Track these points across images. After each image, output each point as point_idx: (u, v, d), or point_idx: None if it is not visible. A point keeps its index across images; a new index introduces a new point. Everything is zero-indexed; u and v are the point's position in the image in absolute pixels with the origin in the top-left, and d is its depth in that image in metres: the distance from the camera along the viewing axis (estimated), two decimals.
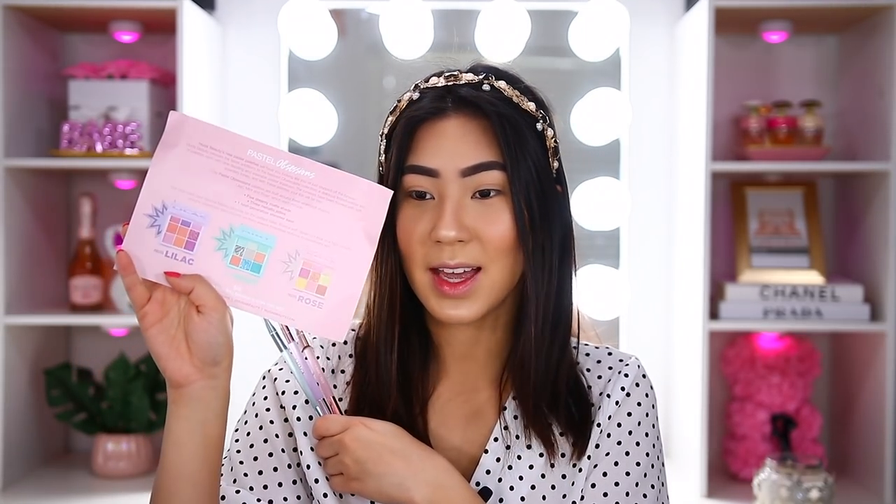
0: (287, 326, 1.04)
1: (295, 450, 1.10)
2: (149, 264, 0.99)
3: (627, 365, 1.12)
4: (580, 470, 1.07)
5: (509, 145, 1.03)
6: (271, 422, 1.11)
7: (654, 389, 1.13)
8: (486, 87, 1.06)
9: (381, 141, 1.11)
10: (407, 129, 1.06)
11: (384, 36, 2.41)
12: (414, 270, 1.06)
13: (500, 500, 1.07)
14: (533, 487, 1.07)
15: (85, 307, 2.40)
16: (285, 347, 1.05)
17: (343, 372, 1.14)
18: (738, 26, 2.47)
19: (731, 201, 2.52)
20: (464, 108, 1.05)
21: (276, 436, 1.10)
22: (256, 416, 1.12)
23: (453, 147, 1.04)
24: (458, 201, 1.03)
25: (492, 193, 1.04)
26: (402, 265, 1.07)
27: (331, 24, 2.47)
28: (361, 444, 1.01)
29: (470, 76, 1.07)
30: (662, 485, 1.10)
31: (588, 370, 1.12)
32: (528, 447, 1.07)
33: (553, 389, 1.07)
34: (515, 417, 1.08)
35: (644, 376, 1.12)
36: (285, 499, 1.08)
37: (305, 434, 1.09)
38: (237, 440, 1.12)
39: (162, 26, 2.43)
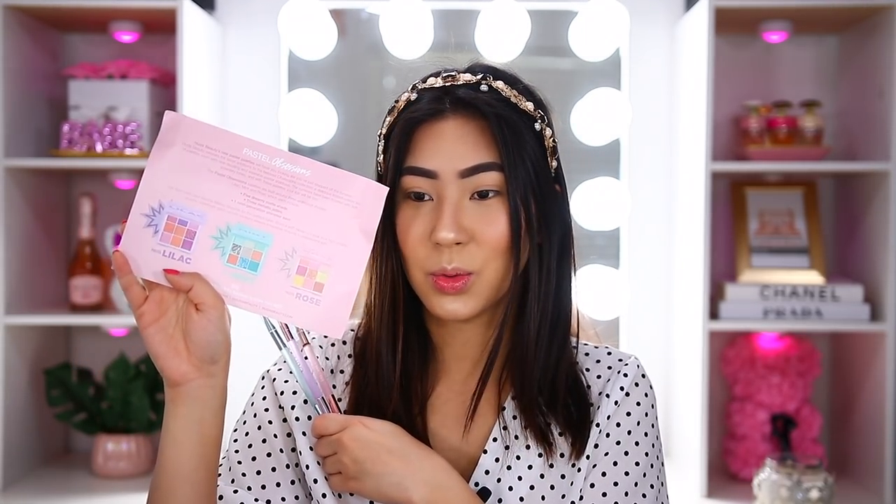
0: (286, 324, 1.04)
1: (293, 450, 1.10)
2: (146, 263, 0.99)
3: (627, 365, 1.12)
4: (579, 470, 1.07)
5: (507, 146, 1.03)
6: (270, 422, 1.11)
7: (654, 389, 1.13)
8: (483, 87, 1.06)
9: (380, 141, 1.10)
10: (405, 130, 1.06)
11: (384, 36, 2.41)
12: (413, 271, 1.06)
13: (499, 501, 1.07)
14: (532, 488, 1.07)
15: (85, 307, 2.40)
16: (284, 346, 1.05)
17: (342, 372, 1.14)
18: (738, 26, 2.47)
19: (731, 201, 2.52)
20: (462, 109, 1.05)
21: (275, 436, 1.10)
22: (255, 416, 1.12)
23: (451, 148, 1.03)
24: (457, 203, 1.03)
25: (490, 194, 1.04)
26: (402, 265, 1.07)
27: (331, 24, 2.47)
28: (360, 443, 1.01)
29: (468, 76, 1.07)
30: (662, 484, 1.10)
31: (587, 370, 1.12)
32: (527, 447, 1.07)
33: (552, 389, 1.07)
34: (514, 417, 1.08)
35: (643, 376, 1.12)
36: (283, 499, 1.08)
37: (304, 434, 1.09)
38: (236, 440, 1.12)
39: (162, 26, 2.43)
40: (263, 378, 1.15)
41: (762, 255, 2.44)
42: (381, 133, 1.11)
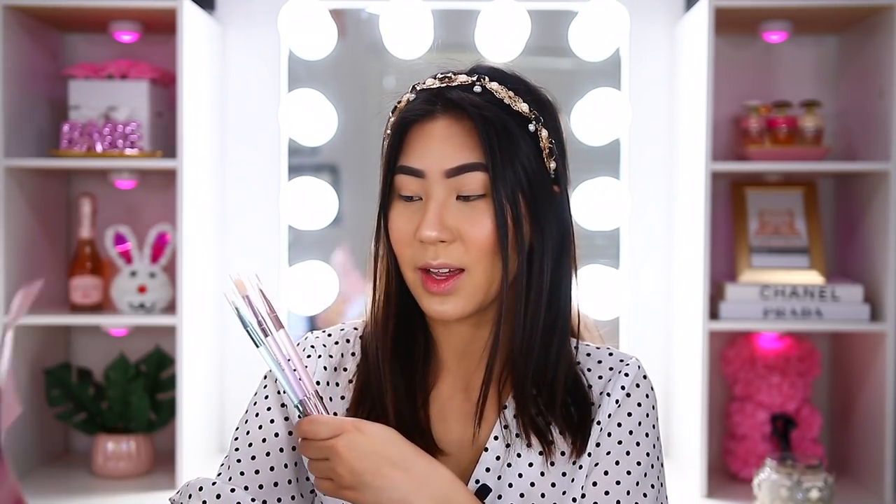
0: (261, 320, 0.99)
1: (294, 449, 1.11)
2: None
3: (628, 365, 1.12)
4: (580, 467, 1.08)
5: (492, 148, 1.04)
6: (271, 421, 1.11)
7: (655, 391, 1.14)
8: (477, 88, 1.07)
9: (384, 140, 1.12)
10: (398, 130, 1.08)
11: (384, 36, 2.41)
12: (405, 269, 1.08)
13: (499, 497, 1.07)
14: (532, 485, 1.08)
15: (85, 307, 2.40)
16: (262, 343, 1.00)
17: (346, 370, 1.15)
18: (738, 26, 2.47)
19: (731, 201, 2.52)
20: (451, 109, 1.06)
21: (276, 435, 1.11)
22: (257, 415, 1.13)
23: (439, 148, 1.05)
24: (442, 202, 1.04)
25: (476, 195, 1.05)
26: (398, 265, 1.09)
27: (331, 24, 2.47)
28: (357, 453, 0.97)
29: (463, 78, 1.09)
30: (662, 485, 1.11)
31: (589, 370, 1.13)
32: (528, 445, 1.08)
33: (550, 389, 1.08)
34: (515, 416, 1.09)
35: (645, 377, 1.12)
36: (279, 500, 1.09)
37: None
38: (236, 438, 1.13)
39: (162, 26, 2.43)
40: (265, 378, 1.15)
41: (762, 255, 2.44)
42: (384, 132, 1.13)
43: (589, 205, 2.45)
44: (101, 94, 2.38)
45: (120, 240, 2.41)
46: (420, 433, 1.08)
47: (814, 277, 2.39)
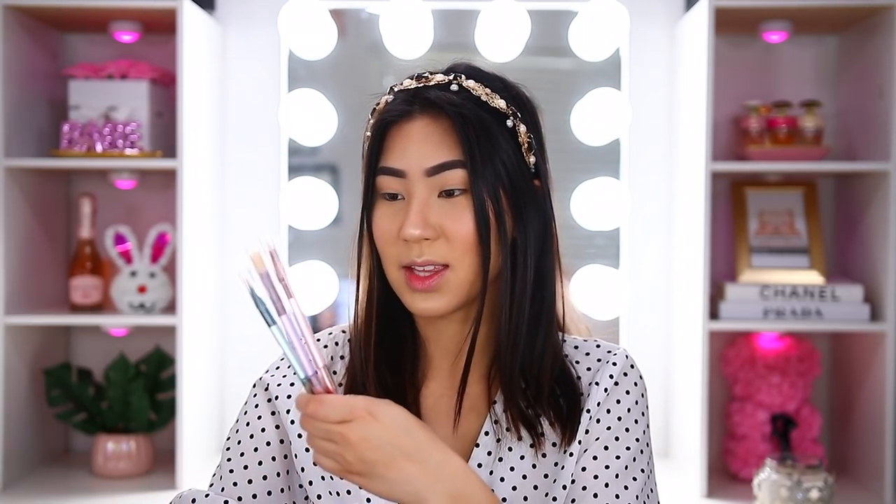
0: (276, 297, 0.94)
1: (286, 457, 1.12)
2: None
3: (616, 355, 1.13)
4: (570, 455, 1.09)
5: (471, 145, 1.05)
6: (263, 429, 1.12)
7: (644, 380, 1.14)
8: (454, 87, 1.08)
9: (364, 143, 1.13)
10: (378, 131, 1.09)
11: (384, 36, 2.41)
12: (389, 269, 1.09)
13: (492, 492, 1.07)
14: (524, 477, 1.08)
15: (85, 307, 2.40)
16: (274, 322, 0.94)
17: (335, 373, 1.15)
18: (738, 26, 2.47)
19: (731, 201, 2.52)
20: (429, 109, 1.07)
21: (268, 443, 1.12)
22: (248, 424, 1.13)
23: (418, 148, 1.06)
24: (424, 200, 1.05)
25: (457, 192, 1.06)
26: (381, 265, 1.10)
27: (331, 24, 2.47)
28: (371, 444, 0.92)
29: (440, 77, 1.10)
30: (651, 471, 1.11)
31: (577, 362, 1.14)
32: (519, 438, 1.09)
33: (537, 381, 1.09)
34: (505, 411, 1.09)
35: (633, 366, 1.14)
36: None
37: (300, 436, 1.11)
38: (228, 448, 1.13)
39: (162, 26, 2.43)
40: (255, 386, 1.16)
41: (762, 255, 2.44)
42: (364, 135, 1.14)
43: (589, 205, 2.45)
44: (101, 94, 2.38)
45: (120, 240, 2.41)
46: None
47: (814, 277, 2.39)
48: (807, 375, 2.45)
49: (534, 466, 1.09)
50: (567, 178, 2.50)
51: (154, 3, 2.29)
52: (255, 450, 1.11)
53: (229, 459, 1.12)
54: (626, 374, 1.12)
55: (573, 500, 1.06)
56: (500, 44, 2.42)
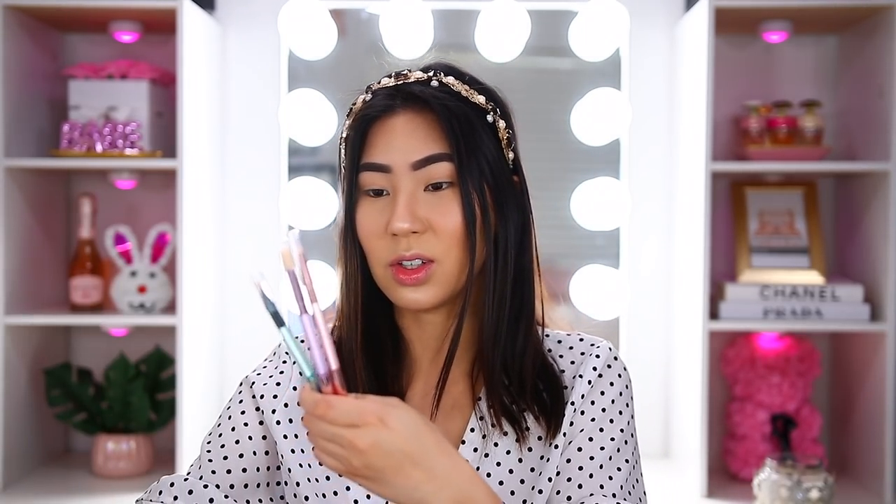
0: (298, 293, 0.94)
1: (267, 453, 1.13)
2: None
3: (599, 348, 1.13)
4: (556, 447, 1.09)
5: (457, 137, 1.05)
6: (245, 424, 1.13)
7: (628, 372, 1.14)
8: (434, 83, 1.09)
9: (340, 144, 1.14)
10: (359, 128, 1.09)
11: (384, 36, 2.41)
12: (375, 266, 1.08)
13: (496, 496, 1.07)
14: (511, 472, 1.08)
15: (85, 307, 2.40)
16: (283, 324, 0.94)
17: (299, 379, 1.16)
18: (738, 26, 2.47)
19: (731, 201, 2.52)
20: (412, 103, 1.08)
21: (250, 438, 1.12)
22: (230, 418, 1.15)
23: (403, 142, 1.06)
24: (411, 194, 1.05)
25: (443, 185, 1.06)
26: (366, 262, 1.10)
27: (331, 24, 2.47)
28: (380, 451, 0.91)
29: (419, 74, 1.11)
30: (637, 461, 1.11)
31: (561, 356, 1.14)
32: (505, 434, 1.09)
33: (520, 376, 1.09)
34: (489, 406, 1.10)
35: (616, 358, 1.13)
36: (248, 502, 1.11)
37: (286, 437, 1.11)
38: (209, 442, 1.14)
39: (162, 26, 2.43)
40: (241, 384, 1.17)
41: (762, 255, 2.44)
42: (341, 136, 1.14)
43: (589, 205, 2.45)
44: (101, 94, 2.38)
45: (120, 240, 2.41)
46: None
47: (814, 277, 2.39)
48: (807, 375, 2.45)
49: (520, 461, 1.09)
50: (567, 178, 2.50)
51: (154, 3, 2.29)
52: (237, 442, 1.12)
53: (209, 451, 1.13)
54: (609, 366, 1.12)
55: (558, 492, 1.07)
56: (500, 44, 2.42)
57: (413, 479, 0.92)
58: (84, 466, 2.46)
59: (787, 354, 2.45)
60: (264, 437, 1.13)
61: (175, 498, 1.08)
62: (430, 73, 1.10)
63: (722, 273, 2.52)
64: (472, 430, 1.10)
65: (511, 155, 1.11)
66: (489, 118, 1.09)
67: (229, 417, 1.14)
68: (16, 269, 2.31)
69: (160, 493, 1.10)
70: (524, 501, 1.08)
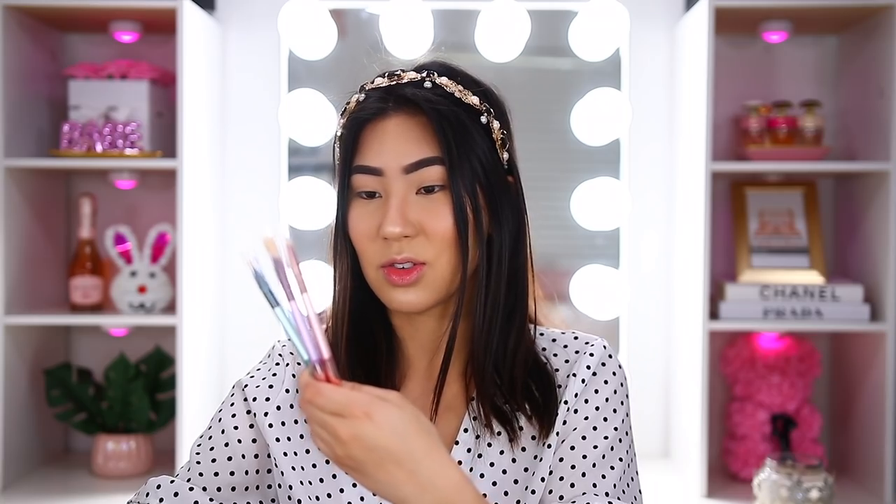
0: (284, 281, 0.93)
1: (257, 456, 1.12)
2: None
3: (593, 346, 1.13)
4: (549, 446, 1.08)
5: (448, 141, 1.05)
6: (235, 427, 1.13)
7: (623, 370, 1.14)
8: (427, 84, 1.08)
9: (335, 143, 1.13)
10: (352, 130, 1.09)
11: (384, 36, 2.41)
12: (367, 269, 1.08)
13: None
14: (504, 472, 1.08)
15: (85, 307, 2.40)
16: (277, 304, 0.92)
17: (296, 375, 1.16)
18: (738, 26, 2.47)
19: (731, 201, 2.52)
20: (404, 106, 1.07)
21: (239, 441, 1.12)
22: (220, 421, 1.14)
23: (395, 145, 1.06)
24: (403, 198, 1.05)
25: (435, 189, 1.06)
26: (357, 262, 1.10)
27: (331, 24, 2.47)
28: (361, 444, 0.90)
29: (412, 74, 1.10)
30: (631, 460, 1.11)
31: (555, 355, 1.13)
32: (498, 434, 1.09)
33: (511, 376, 1.08)
34: (481, 406, 1.09)
35: (611, 356, 1.13)
36: None
37: (278, 440, 1.11)
38: (199, 444, 1.14)
39: (162, 26, 2.43)
40: (234, 387, 1.16)
41: (762, 255, 2.44)
42: (335, 134, 1.13)
43: (589, 205, 2.45)
44: (101, 94, 2.38)
45: (120, 240, 2.41)
46: None
47: (814, 277, 2.39)
48: (807, 375, 2.45)
49: (513, 461, 1.08)
50: (567, 178, 2.50)
51: (154, 3, 2.29)
52: (226, 445, 1.12)
53: (198, 454, 1.13)
54: (603, 364, 1.12)
55: (550, 491, 1.06)
56: (500, 44, 2.42)
57: (394, 477, 0.91)
58: (84, 466, 2.46)
59: (787, 354, 2.45)
60: (254, 441, 1.12)
61: (161, 500, 1.08)
62: (424, 74, 1.10)
63: (722, 273, 2.52)
64: (466, 430, 1.10)
65: (506, 156, 1.11)
66: (483, 119, 1.09)
67: (219, 420, 1.14)
68: (16, 269, 2.31)
69: (147, 494, 1.10)
70: (518, 502, 1.08)
